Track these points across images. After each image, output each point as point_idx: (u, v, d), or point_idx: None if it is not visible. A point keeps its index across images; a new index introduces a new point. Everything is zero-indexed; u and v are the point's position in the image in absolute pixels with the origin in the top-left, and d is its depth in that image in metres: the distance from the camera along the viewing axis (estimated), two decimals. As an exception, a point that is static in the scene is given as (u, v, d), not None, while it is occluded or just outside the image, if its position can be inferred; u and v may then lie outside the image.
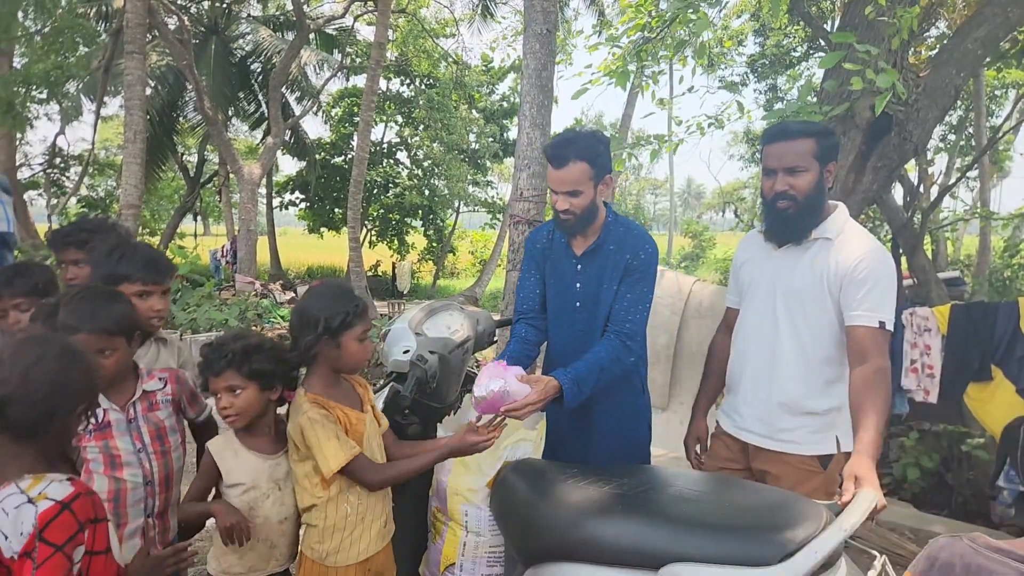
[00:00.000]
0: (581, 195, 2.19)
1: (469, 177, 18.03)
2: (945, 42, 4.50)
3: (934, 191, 6.34)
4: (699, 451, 2.43)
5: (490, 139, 18.19)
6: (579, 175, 2.17)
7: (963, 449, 4.26)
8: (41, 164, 17.06)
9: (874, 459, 1.77)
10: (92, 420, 1.79)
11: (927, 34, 5.27)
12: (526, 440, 2.26)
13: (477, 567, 2.18)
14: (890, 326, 1.96)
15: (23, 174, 16.49)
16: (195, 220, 22.79)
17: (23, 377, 1.32)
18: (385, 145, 19.06)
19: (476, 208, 19.62)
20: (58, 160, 16.69)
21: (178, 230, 19.54)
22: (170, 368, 2.09)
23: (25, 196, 16.42)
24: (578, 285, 2.32)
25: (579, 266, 2.32)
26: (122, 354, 1.83)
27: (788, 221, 2.11)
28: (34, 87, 10.22)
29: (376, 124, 17.41)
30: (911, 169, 6.06)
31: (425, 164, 18.31)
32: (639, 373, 2.39)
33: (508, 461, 2.15)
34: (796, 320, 2.11)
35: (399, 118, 18.58)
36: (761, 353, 2.18)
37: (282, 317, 11.40)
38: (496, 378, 1.94)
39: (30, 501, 1.28)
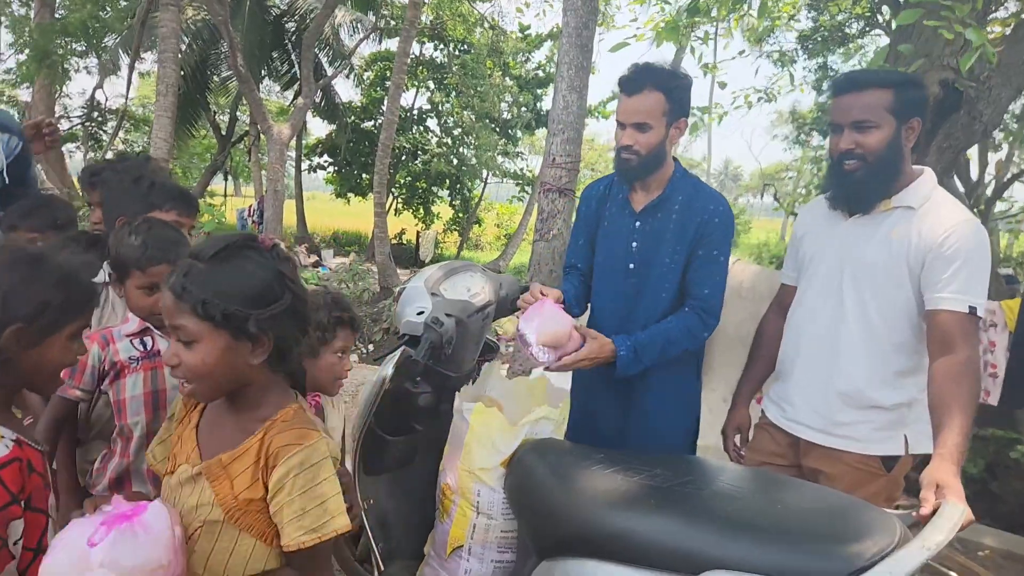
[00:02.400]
0: (650, 131, 1.96)
1: (499, 147, 17.73)
2: (1023, 16, 4.13)
3: (989, 177, 5.94)
4: (739, 442, 2.19)
5: (523, 108, 17.82)
6: (652, 105, 1.95)
7: (1012, 456, 3.97)
8: (80, 117, 17.09)
9: (959, 465, 1.51)
10: (140, 349, 1.70)
11: (1004, 4, 4.86)
12: (547, 419, 2.04)
13: (487, 552, 1.98)
14: (982, 312, 1.69)
15: (62, 126, 16.55)
16: (225, 179, 22.75)
17: None
18: (415, 111, 18.82)
19: (504, 179, 19.33)
20: (96, 114, 16.68)
21: (208, 189, 19.54)
22: None
23: (64, 149, 16.52)
24: (634, 244, 2.09)
25: (637, 223, 2.08)
26: None
27: (855, 185, 1.84)
28: (71, 38, 10.13)
29: (407, 89, 17.13)
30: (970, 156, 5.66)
31: (455, 132, 18.05)
32: (698, 356, 2.16)
33: (527, 439, 1.94)
34: (865, 300, 1.84)
35: (431, 84, 18.29)
36: (821, 336, 1.92)
37: (306, 280, 11.34)
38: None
39: None
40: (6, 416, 1.18)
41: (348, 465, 1.94)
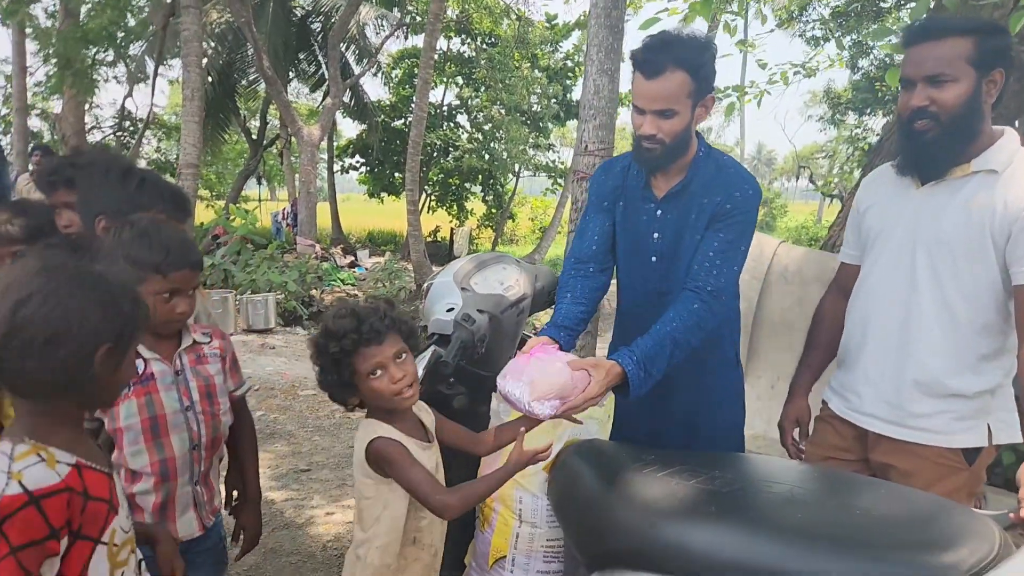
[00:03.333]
0: (675, 117, 1.71)
1: (531, 140, 17.59)
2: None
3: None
4: (797, 436, 2.01)
5: (552, 100, 17.65)
6: (676, 88, 1.69)
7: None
8: (112, 127, 17.39)
9: None
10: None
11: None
12: (591, 418, 1.91)
13: (532, 563, 1.85)
14: None
15: (93, 137, 16.86)
16: (259, 184, 23.02)
17: (9, 316, 1.00)
18: (445, 107, 18.79)
19: (537, 173, 19.21)
20: (127, 123, 16.97)
21: (243, 194, 19.78)
22: (210, 325, 1.82)
23: (97, 159, 16.79)
24: (656, 235, 1.87)
25: (659, 211, 1.87)
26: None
27: (928, 147, 1.64)
28: (94, 46, 10.23)
29: (436, 85, 17.09)
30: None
31: (485, 127, 17.97)
32: (732, 340, 1.98)
33: (571, 441, 1.80)
34: (943, 277, 1.65)
35: (459, 79, 18.23)
36: (891, 319, 1.74)
37: (341, 280, 11.36)
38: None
39: (7, 474, 0.99)
40: (74, 437, 1.10)
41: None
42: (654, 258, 1.89)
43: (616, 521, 1.47)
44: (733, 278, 1.83)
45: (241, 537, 1.82)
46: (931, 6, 3.78)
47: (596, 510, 1.54)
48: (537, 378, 1.54)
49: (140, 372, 1.54)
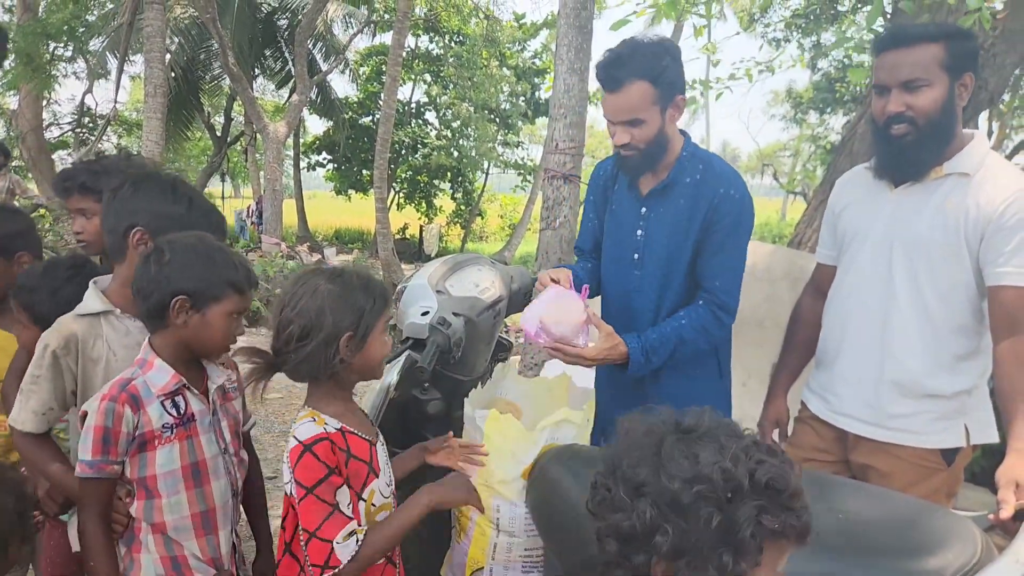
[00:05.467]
0: (644, 125, 1.75)
1: (500, 138, 17.57)
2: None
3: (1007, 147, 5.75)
4: (777, 438, 2.02)
5: (521, 98, 17.65)
6: (639, 99, 1.73)
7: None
8: (70, 123, 16.91)
9: None
10: (173, 413, 1.40)
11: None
12: (569, 421, 1.87)
13: (510, 573, 1.81)
14: None
15: (52, 133, 16.36)
16: (223, 181, 22.62)
17: (276, 316, 1.34)
18: (413, 105, 18.68)
19: (506, 170, 19.21)
20: (86, 119, 16.51)
21: (206, 191, 19.40)
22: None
23: (55, 156, 16.33)
24: (639, 233, 1.90)
25: (643, 209, 1.89)
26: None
27: (906, 151, 1.66)
28: (54, 41, 9.94)
29: (404, 83, 16.98)
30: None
31: (454, 125, 17.90)
32: (718, 353, 1.97)
33: (549, 446, 1.76)
34: (919, 278, 1.66)
35: (427, 76, 18.14)
36: (869, 320, 1.74)
37: (308, 279, 11.20)
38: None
39: (292, 436, 1.32)
40: (343, 409, 1.40)
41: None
42: (636, 255, 1.92)
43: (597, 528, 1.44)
44: (739, 288, 1.89)
45: None
46: (886, 11, 3.85)
47: (576, 518, 1.50)
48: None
49: (182, 412, 1.41)
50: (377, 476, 1.37)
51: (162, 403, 1.39)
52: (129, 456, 1.36)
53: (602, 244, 2.03)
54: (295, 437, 1.30)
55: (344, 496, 1.31)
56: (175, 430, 1.39)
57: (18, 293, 1.75)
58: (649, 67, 1.71)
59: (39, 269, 1.80)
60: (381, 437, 1.50)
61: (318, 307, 1.29)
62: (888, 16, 3.78)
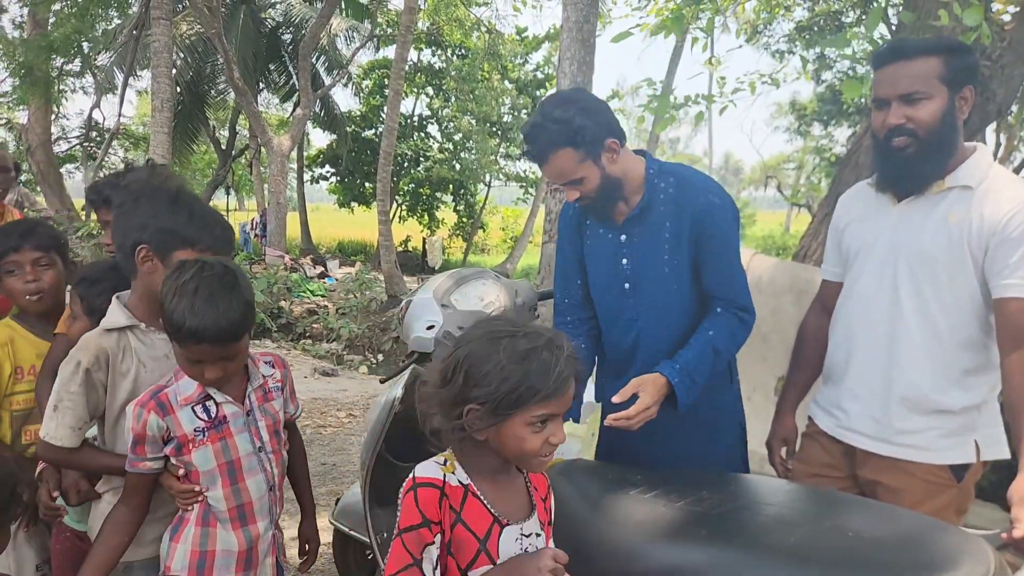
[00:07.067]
0: (585, 180, 1.73)
1: (502, 150, 17.64)
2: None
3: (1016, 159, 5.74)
4: (785, 455, 2.00)
5: (523, 111, 17.72)
6: (568, 164, 1.71)
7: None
8: (78, 137, 17.04)
9: None
10: (203, 418, 1.46)
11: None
12: (573, 435, 1.86)
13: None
14: None
15: (60, 147, 16.50)
16: (227, 194, 22.71)
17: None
18: (416, 118, 18.78)
19: (507, 182, 19.27)
20: (94, 133, 16.64)
21: (211, 204, 19.46)
22: (271, 351, 1.73)
23: (63, 170, 16.44)
24: (624, 261, 1.85)
25: (623, 236, 1.84)
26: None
27: (907, 164, 1.65)
28: (60, 55, 10.03)
29: (406, 96, 17.07)
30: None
31: (456, 137, 17.99)
32: (729, 360, 1.95)
33: (556, 461, 1.76)
34: (924, 292, 1.65)
35: (430, 90, 18.25)
36: (876, 335, 1.73)
37: (311, 291, 11.21)
38: None
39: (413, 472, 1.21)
40: (482, 472, 1.21)
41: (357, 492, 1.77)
42: (627, 285, 1.87)
43: (600, 545, 1.43)
44: (747, 285, 1.86)
45: (306, 548, 1.77)
46: (891, 24, 3.86)
47: (579, 533, 1.49)
48: None
49: (213, 416, 1.47)
50: (492, 564, 1.18)
51: (192, 408, 1.45)
52: (173, 456, 1.45)
53: (588, 283, 1.96)
54: (414, 471, 1.18)
55: (431, 555, 1.15)
56: (207, 433, 1.46)
57: (80, 283, 1.76)
58: (562, 135, 1.68)
59: (106, 264, 1.81)
60: (530, 529, 1.25)
61: (489, 370, 1.13)
62: (893, 29, 3.80)
